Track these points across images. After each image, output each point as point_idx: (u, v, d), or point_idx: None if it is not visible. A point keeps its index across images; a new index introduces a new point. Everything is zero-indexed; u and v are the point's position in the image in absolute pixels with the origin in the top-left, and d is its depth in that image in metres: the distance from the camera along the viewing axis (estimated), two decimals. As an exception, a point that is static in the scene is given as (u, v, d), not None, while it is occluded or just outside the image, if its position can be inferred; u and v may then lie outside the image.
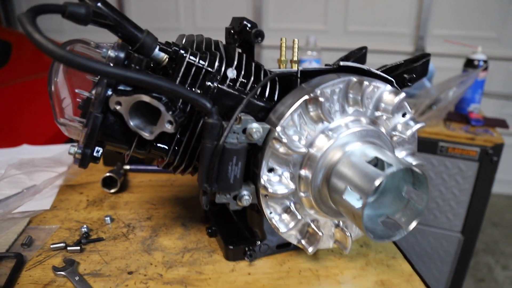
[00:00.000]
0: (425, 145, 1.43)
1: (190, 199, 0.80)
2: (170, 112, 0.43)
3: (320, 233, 0.52)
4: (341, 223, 0.55)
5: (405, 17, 2.56)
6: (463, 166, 1.40)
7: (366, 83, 0.49)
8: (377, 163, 0.48)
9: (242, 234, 0.61)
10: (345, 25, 2.69)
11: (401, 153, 0.57)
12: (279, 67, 0.72)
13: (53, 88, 0.44)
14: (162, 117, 0.43)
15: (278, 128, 0.46)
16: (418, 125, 0.54)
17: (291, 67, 0.72)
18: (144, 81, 0.37)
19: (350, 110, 0.50)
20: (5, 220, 0.71)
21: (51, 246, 0.63)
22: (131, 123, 0.45)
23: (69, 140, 0.75)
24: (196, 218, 0.73)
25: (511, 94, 2.52)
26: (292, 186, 0.49)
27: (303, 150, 0.47)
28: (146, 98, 0.43)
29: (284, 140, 0.46)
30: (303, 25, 2.77)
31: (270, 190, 0.47)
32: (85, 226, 0.67)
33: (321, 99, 0.45)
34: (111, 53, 0.43)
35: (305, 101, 0.47)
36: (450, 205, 1.46)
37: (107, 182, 0.83)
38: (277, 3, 2.78)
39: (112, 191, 0.82)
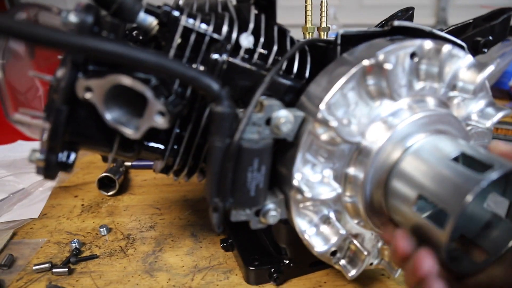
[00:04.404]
0: (464, 125, 1.26)
1: (201, 201, 0.68)
2: (162, 99, 0.30)
3: (365, 252, 0.39)
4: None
5: (425, -14, 2.35)
6: (509, 148, 1.24)
7: (447, 48, 0.34)
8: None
9: (265, 249, 0.49)
10: (361, -2, 2.49)
11: None
12: (304, 37, 0.58)
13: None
14: (150, 106, 0.30)
15: (322, 105, 0.33)
16: (501, 113, 0.41)
17: (319, 37, 0.58)
18: (114, 53, 0.24)
19: (418, 86, 0.36)
20: (-18, 235, 0.60)
21: (34, 267, 0.51)
22: (108, 117, 0.32)
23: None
24: (209, 225, 0.60)
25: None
26: (338, 188, 0.35)
27: (358, 138, 0.34)
28: (126, 81, 0.30)
29: (333, 123, 0.32)
30: (317, 1, 2.58)
31: (308, 194, 0.33)
32: (75, 240, 0.56)
33: (387, 65, 0.31)
34: (73, 18, 0.30)
35: (363, 69, 0.33)
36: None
37: (105, 183, 0.71)
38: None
39: (110, 193, 0.70)
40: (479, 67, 0.39)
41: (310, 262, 0.48)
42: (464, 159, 0.32)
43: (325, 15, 0.57)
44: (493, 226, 0.33)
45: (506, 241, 0.32)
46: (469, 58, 0.39)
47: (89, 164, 0.85)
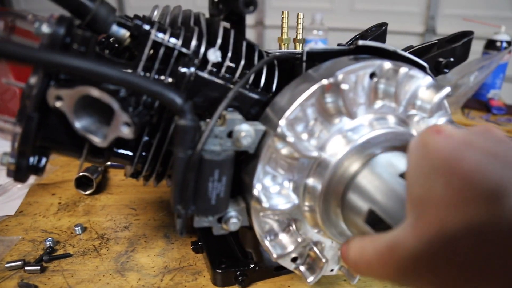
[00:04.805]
0: (442, 135, 1.30)
1: (176, 203, 0.69)
2: (129, 111, 0.32)
3: (323, 260, 0.41)
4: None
5: (415, -6, 2.39)
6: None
7: (403, 70, 0.37)
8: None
9: (233, 253, 0.51)
10: (352, 3, 2.52)
11: None
12: (280, 48, 0.60)
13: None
14: (116, 117, 0.32)
15: (282, 122, 0.35)
16: None
17: (295, 48, 0.60)
18: (79, 68, 0.26)
19: (377, 104, 0.38)
20: (-43, 231, 0.60)
21: (6, 265, 0.52)
22: (77, 125, 0.33)
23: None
24: (182, 227, 0.62)
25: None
26: (295, 200, 0.37)
27: (315, 153, 0.36)
28: (94, 92, 0.31)
29: (290, 139, 0.34)
30: (308, 4, 2.60)
31: (265, 204, 0.36)
32: (50, 238, 0.57)
33: (344, 86, 0.33)
34: (45, 29, 0.31)
35: (322, 88, 0.35)
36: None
37: (83, 182, 0.72)
38: (280, -21, 2.60)
39: (88, 192, 0.71)
40: (437, 87, 0.41)
41: (275, 266, 0.50)
42: None
43: (301, 27, 0.59)
44: None
45: None
46: (428, 79, 0.41)
47: (70, 162, 0.86)
